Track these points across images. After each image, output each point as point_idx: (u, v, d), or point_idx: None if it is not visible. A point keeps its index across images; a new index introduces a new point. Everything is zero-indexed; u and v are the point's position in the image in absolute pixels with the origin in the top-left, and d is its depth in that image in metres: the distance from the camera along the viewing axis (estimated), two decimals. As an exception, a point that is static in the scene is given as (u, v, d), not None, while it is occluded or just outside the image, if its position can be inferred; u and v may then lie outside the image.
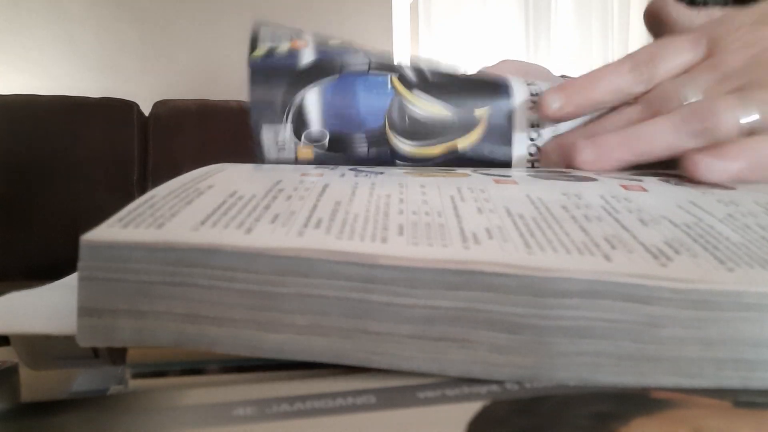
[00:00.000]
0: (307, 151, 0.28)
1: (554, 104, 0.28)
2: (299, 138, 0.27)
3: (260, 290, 0.15)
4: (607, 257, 0.15)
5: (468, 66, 0.31)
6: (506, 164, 0.29)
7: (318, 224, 0.16)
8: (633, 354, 0.14)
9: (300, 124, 0.27)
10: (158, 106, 1.58)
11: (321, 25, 1.81)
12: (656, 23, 0.34)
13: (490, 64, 0.35)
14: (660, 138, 0.26)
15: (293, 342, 0.15)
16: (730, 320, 0.14)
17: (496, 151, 0.29)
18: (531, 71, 0.35)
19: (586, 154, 0.27)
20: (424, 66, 0.29)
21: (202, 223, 0.16)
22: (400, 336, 0.15)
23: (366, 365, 0.15)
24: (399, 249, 0.15)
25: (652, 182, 0.23)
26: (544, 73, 0.37)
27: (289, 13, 1.81)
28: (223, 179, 0.21)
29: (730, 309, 0.14)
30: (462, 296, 0.14)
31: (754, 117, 0.25)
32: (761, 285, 0.14)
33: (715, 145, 0.25)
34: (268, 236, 0.15)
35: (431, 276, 0.14)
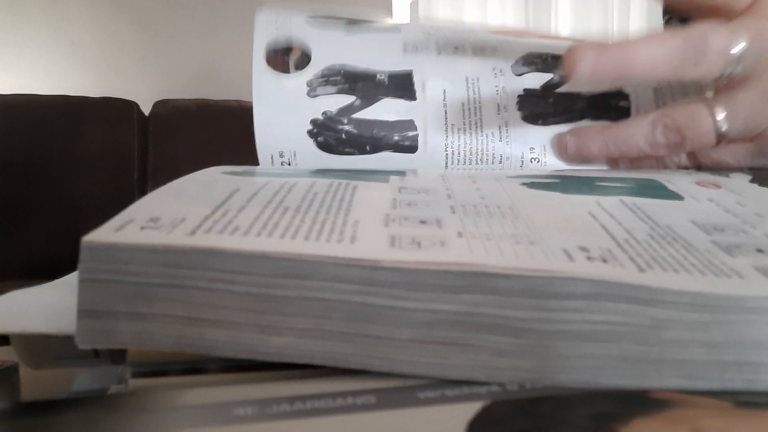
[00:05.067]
0: None
1: (584, 62, 0.22)
2: None
3: (261, 293, 0.14)
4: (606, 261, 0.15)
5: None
6: None
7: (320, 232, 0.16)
8: (636, 356, 0.14)
9: None
10: (158, 106, 1.58)
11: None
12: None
13: None
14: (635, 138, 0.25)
15: (294, 345, 0.15)
16: (734, 323, 0.14)
17: None
18: None
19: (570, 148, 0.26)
20: None
21: (202, 225, 0.16)
22: (401, 340, 0.14)
23: (367, 369, 0.15)
24: (401, 251, 0.15)
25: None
26: None
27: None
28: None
29: (735, 312, 0.14)
30: (464, 300, 0.14)
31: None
32: (766, 288, 0.14)
33: None
34: (269, 239, 0.15)
35: (433, 279, 0.14)
